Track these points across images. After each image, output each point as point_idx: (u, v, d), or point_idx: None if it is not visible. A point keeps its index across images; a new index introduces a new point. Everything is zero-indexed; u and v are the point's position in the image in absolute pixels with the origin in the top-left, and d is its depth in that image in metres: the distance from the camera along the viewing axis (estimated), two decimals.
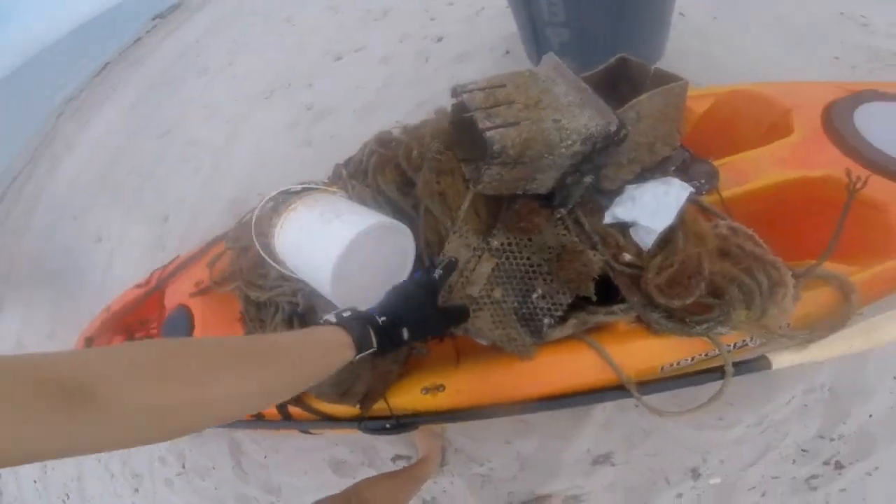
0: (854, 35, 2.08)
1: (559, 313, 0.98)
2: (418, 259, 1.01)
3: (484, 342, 1.01)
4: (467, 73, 2.56)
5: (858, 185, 1.00)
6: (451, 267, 0.91)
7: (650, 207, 0.92)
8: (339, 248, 0.81)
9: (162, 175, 3.14)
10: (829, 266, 0.99)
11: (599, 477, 1.50)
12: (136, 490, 2.00)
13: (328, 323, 0.73)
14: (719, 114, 1.37)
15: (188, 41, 4.23)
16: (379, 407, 1.08)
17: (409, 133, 1.15)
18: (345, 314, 0.74)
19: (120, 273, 2.66)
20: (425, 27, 2.97)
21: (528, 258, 0.99)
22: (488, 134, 0.82)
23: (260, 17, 3.94)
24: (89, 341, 1.67)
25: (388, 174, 1.10)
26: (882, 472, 1.32)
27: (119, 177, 3.32)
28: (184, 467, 1.96)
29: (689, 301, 0.90)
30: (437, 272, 0.86)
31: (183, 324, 1.42)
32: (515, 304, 0.99)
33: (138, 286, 1.71)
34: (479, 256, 0.98)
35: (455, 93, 0.94)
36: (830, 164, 1.12)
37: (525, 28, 2.08)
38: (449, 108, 1.05)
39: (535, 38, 2.05)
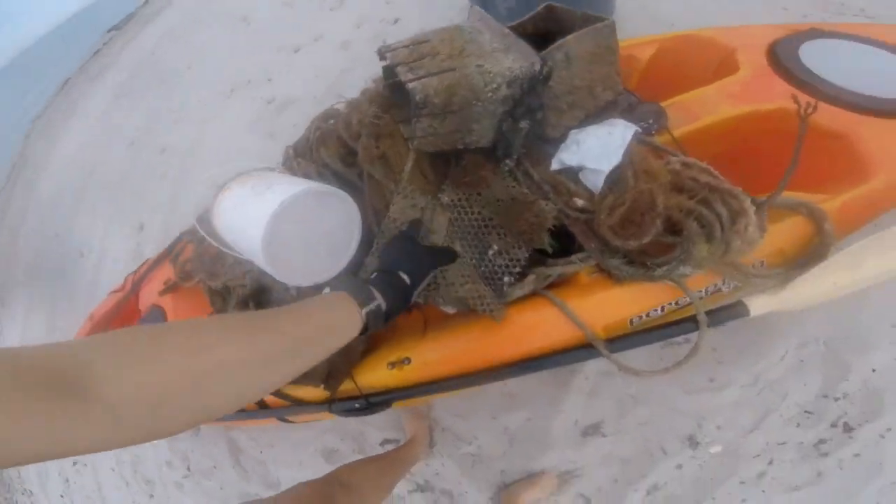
0: None
1: (517, 269, 0.95)
2: (366, 228, 0.97)
3: (451, 310, 0.97)
4: None
5: (809, 111, 0.97)
6: (417, 222, 0.93)
7: (595, 150, 0.89)
8: (268, 215, 0.78)
9: (134, 184, 3.10)
10: (797, 195, 0.95)
11: (592, 449, 1.46)
12: (152, 496, 2.01)
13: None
14: (665, 60, 1.34)
15: (146, 49, 4.14)
16: (349, 387, 1.05)
17: (350, 105, 1.12)
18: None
19: (106, 283, 2.61)
20: (381, 10, 2.93)
21: (479, 212, 0.96)
22: (410, 85, 0.80)
23: (216, 20, 3.86)
24: None
25: (331, 147, 1.06)
26: None
27: (94, 190, 3.27)
28: (189, 469, 1.96)
29: (645, 240, 0.85)
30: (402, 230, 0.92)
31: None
32: (474, 262, 0.96)
33: (114, 292, 1.68)
34: (433, 210, 0.94)
35: (381, 54, 0.91)
36: (781, 97, 1.09)
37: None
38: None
39: (485, 8, 2.00)
